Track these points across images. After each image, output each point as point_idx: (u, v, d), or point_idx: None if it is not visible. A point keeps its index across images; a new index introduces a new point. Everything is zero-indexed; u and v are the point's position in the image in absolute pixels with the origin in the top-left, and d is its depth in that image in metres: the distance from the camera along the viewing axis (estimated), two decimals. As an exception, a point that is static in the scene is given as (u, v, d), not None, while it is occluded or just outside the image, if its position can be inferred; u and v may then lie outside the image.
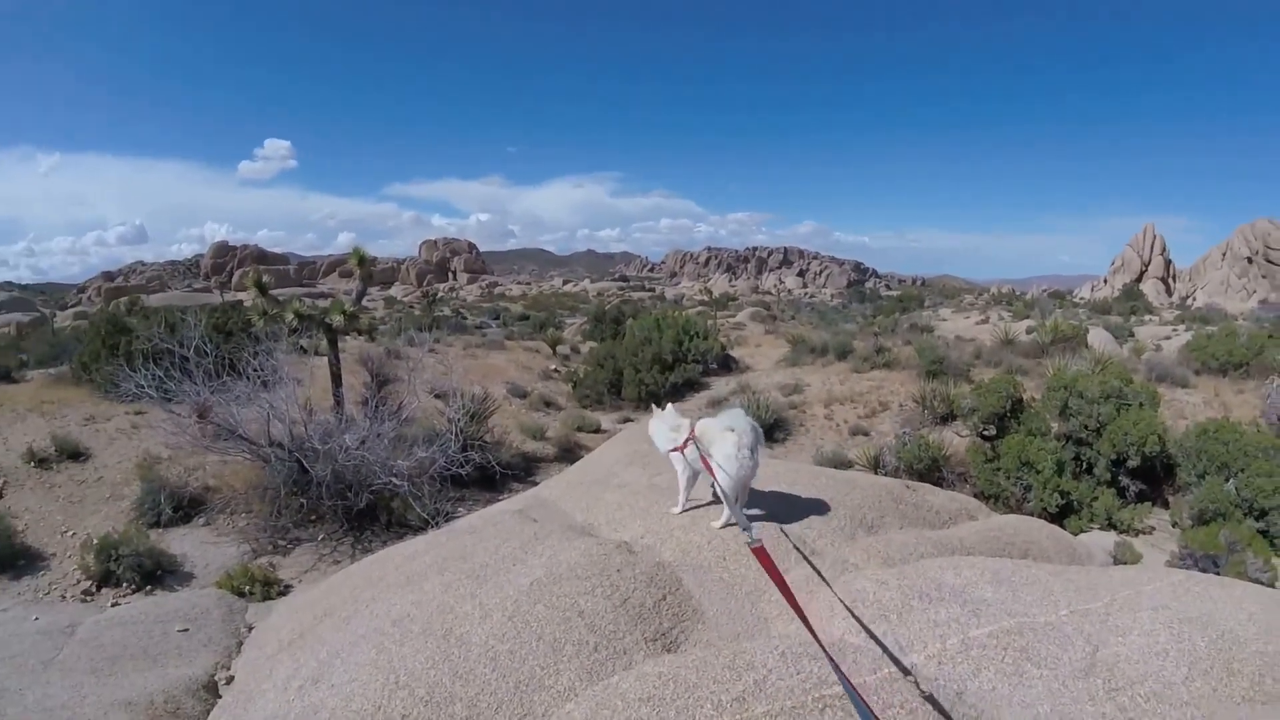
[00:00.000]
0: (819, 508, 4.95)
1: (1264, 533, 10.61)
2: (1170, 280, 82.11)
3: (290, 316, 12.13)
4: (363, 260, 13.91)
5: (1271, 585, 8.69)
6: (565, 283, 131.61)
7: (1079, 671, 3.08)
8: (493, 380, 19.18)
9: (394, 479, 9.56)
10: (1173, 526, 11.80)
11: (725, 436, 4.27)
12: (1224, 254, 78.50)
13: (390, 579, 4.69)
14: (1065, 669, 3.09)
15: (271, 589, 7.82)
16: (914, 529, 5.07)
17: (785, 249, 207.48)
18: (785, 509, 4.87)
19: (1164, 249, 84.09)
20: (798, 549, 4.27)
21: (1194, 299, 68.66)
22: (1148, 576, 4.05)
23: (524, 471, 12.84)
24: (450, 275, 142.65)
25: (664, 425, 4.72)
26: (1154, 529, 11.64)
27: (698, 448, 4.35)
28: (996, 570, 3.92)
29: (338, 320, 12.40)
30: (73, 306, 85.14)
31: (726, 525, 4.42)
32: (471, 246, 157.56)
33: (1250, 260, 75.27)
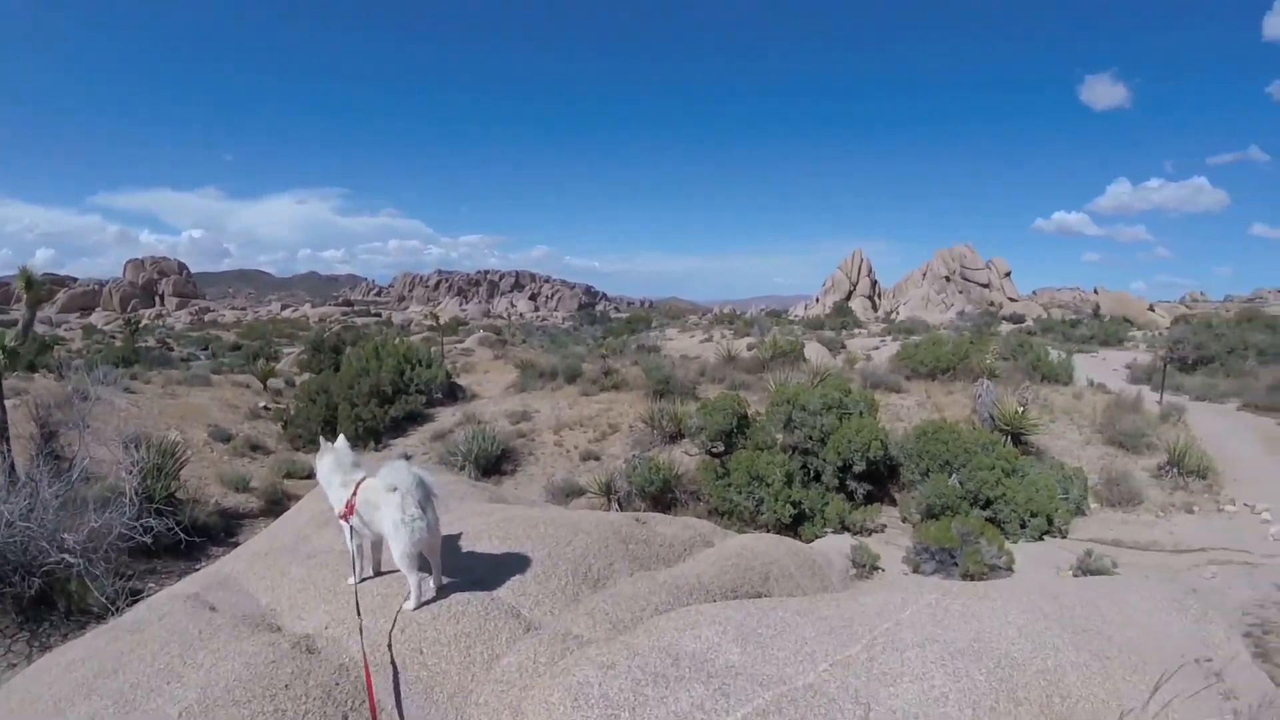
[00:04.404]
0: (537, 564, 4.17)
1: (992, 520, 11.49)
2: (876, 298, 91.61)
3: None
4: (31, 283, 11.56)
5: (1009, 569, 9.36)
6: (284, 308, 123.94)
7: (854, 745, 2.58)
8: (194, 423, 16.70)
9: (66, 555, 7.60)
10: (903, 522, 12.51)
11: (389, 500, 3.46)
12: (924, 274, 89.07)
13: (38, 707, 3.35)
14: (838, 745, 2.57)
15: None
16: (646, 573, 4.41)
17: (517, 273, 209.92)
18: (497, 570, 4.05)
19: (870, 270, 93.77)
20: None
21: (898, 313, 76.75)
22: (901, 599, 3.74)
23: (224, 532, 10.95)
24: (158, 300, 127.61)
25: (336, 473, 3.81)
26: (885, 526, 12.25)
27: (360, 517, 3.53)
28: (740, 622, 3.36)
29: (-7, 357, 10.02)
30: None
31: (420, 605, 3.57)
32: (182, 267, 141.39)
33: (948, 279, 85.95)
